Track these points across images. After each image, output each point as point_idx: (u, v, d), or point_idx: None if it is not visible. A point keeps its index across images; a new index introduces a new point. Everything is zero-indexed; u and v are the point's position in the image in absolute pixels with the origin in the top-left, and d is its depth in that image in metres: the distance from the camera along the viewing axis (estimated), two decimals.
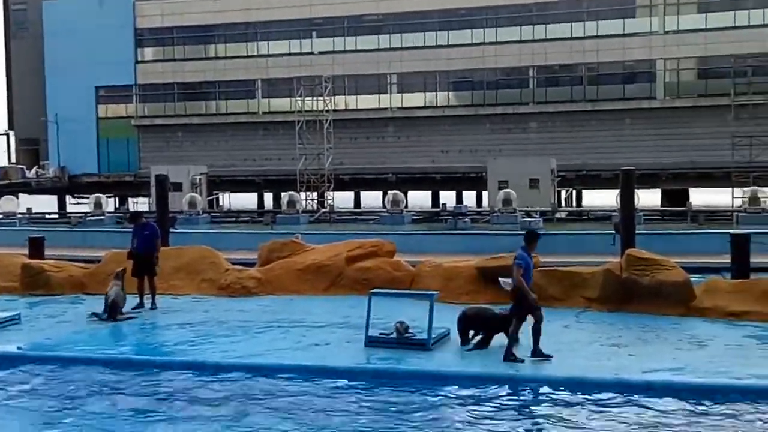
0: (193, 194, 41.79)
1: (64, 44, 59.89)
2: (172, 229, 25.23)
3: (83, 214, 42.81)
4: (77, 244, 29.12)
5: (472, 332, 12.91)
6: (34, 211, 46.13)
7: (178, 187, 42.38)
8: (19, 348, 13.16)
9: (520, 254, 11.98)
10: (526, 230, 13.15)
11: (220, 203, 54.48)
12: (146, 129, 59.44)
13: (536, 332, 11.76)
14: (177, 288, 17.97)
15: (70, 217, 44.22)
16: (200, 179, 47.03)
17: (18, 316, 15.10)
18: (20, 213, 42.89)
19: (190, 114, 58.28)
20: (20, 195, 55.50)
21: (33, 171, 63.96)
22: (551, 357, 11.71)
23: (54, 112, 61.23)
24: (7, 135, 75.42)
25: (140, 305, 16.09)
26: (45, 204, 57.83)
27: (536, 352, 11.74)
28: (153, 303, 16.16)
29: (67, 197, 61.24)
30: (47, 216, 47.07)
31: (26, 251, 22.15)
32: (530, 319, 11.86)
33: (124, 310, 15.39)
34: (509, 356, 11.68)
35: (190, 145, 56.70)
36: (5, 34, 75.81)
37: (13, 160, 71.10)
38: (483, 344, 12.59)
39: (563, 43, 50.17)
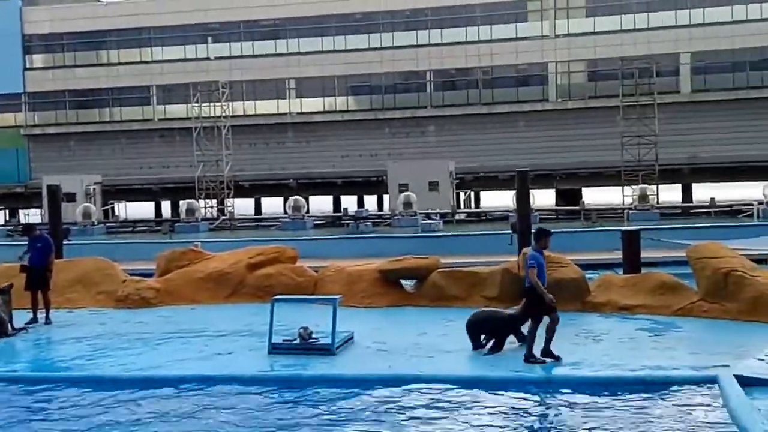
0: (87, 204, 40.64)
1: None
2: (66, 241, 24.53)
3: None
4: None
5: (483, 337, 12.63)
6: None
7: (71, 197, 41.14)
8: None
9: (531, 254, 11.76)
10: (537, 228, 12.73)
11: (116, 213, 53.11)
12: (37, 138, 57.46)
13: (551, 332, 11.59)
14: (73, 301, 17.49)
15: None
16: (94, 189, 45.76)
17: None
18: None
19: (82, 122, 56.63)
20: None
21: None
22: (560, 358, 11.55)
23: None
24: None
25: (34, 320, 15.57)
26: None
27: (547, 352, 11.61)
28: (47, 317, 15.66)
29: None
30: None
31: None
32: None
33: (16, 325, 14.86)
34: (531, 358, 11.50)
35: (84, 154, 55.11)
36: None
37: None
38: (496, 348, 12.38)
39: (458, 47, 50.98)
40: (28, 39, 57.78)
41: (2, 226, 43.87)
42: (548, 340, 11.66)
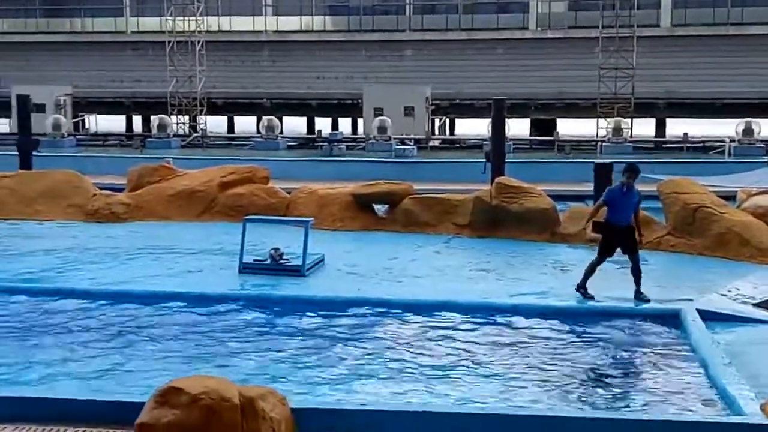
0: (57, 116, 39.99)
1: None
2: (35, 153, 24.19)
3: None
4: None
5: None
6: None
7: (41, 108, 40.33)
8: None
9: (608, 188, 11.66)
10: (626, 164, 12.10)
11: (87, 126, 52.33)
12: (4, 46, 56.05)
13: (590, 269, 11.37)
14: (41, 213, 17.33)
15: None
16: (65, 100, 44.91)
17: None
18: None
19: (52, 31, 55.27)
20: None
21: None
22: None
23: None
24: None
25: None
26: None
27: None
28: None
29: None
30: None
31: None
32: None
33: None
34: (582, 288, 11.34)
35: (54, 65, 53.82)
36: None
37: None
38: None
39: None
40: None
41: None
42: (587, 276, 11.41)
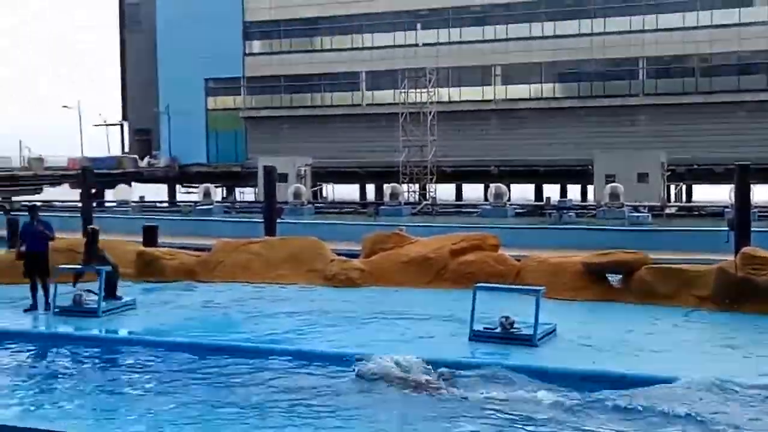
0: (298, 185, 42.40)
1: (175, 37, 61.76)
2: (279, 220, 25.73)
3: (193, 203, 44.09)
4: (188, 233, 29.99)
5: None
6: (146, 199, 47.84)
7: (283, 178, 43.07)
8: (130, 333, 13.71)
9: None
10: None
11: (324, 194, 55.17)
12: (253, 121, 60.71)
13: None
14: (284, 277, 18.28)
15: (180, 205, 45.61)
16: (305, 170, 47.68)
17: (134, 302, 15.67)
18: (133, 201, 44.51)
19: (295, 106, 59.22)
20: (133, 183, 57.62)
21: (145, 161, 66.28)
22: None
23: (166, 103, 63.25)
24: (121, 125, 78.40)
25: (33, 306, 15.29)
26: (156, 192, 59.79)
27: None
28: (47, 303, 15.25)
29: (177, 186, 63.17)
30: (158, 204, 48.64)
31: (140, 238, 23.00)
32: None
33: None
34: None
35: (295, 137, 57.57)
36: (120, 28, 78.73)
37: (127, 149, 73.84)
38: None
39: (675, 33, 48.67)
40: (247, 26, 61.09)
41: (220, 202, 46.72)
42: None
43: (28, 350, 13.18)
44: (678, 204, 44.42)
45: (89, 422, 9.67)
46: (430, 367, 11.00)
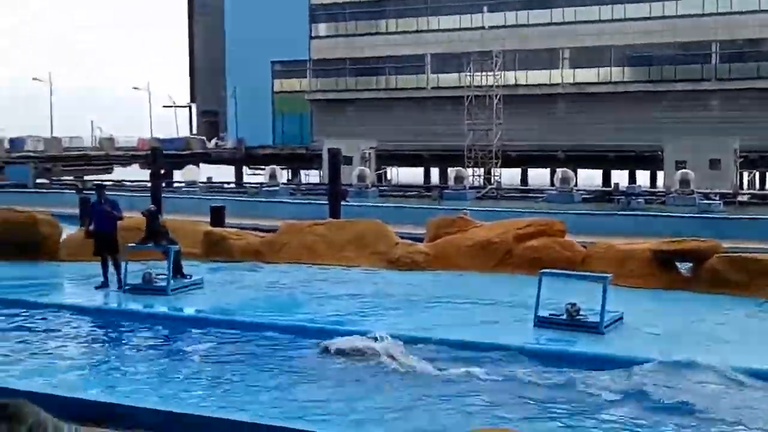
0: (362, 168, 42.53)
1: (242, 21, 62.33)
2: (343, 202, 25.84)
3: (259, 185, 44.54)
4: (254, 214, 30.31)
5: None
6: (213, 180, 48.54)
7: (348, 160, 43.23)
8: (198, 311, 13.93)
9: None
10: None
11: (388, 177, 55.21)
12: (318, 103, 60.98)
13: None
14: (348, 259, 18.36)
15: (246, 187, 46.16)
16: (370, 153, 47.77)
17: (201, 281, 15.91)
18: (201, 182, 45.20)
19: (360, 89, 59.29)
20: (201, 164, 58.49)
21: (212, 142, 67.23)
22: None
23: (233, 86, 63.96)
24: (190, 107, 79.71)
25: (105, 284, 15.50)
26: (223, 173, 60.60)
27: None
28: (119, 281, 15.40)
29: (244, 168, 63.93)
30: (225, 185, 49.32)
31: (207, 219, 23.34)
32: None
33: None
34: None
35: (360, 120, 57.67)
36: (189, 13, 79.91)
37: (195, 131, 75.02)
38: None
39: (749, 16, 47.27)
40: (314, 8, 61.28)
41: (286, 184, 47.13)
42: None
43: (99, 326, 13.53)
44: (751, 192, 43.24)
45: (166, 394, 9.87)
46: None
